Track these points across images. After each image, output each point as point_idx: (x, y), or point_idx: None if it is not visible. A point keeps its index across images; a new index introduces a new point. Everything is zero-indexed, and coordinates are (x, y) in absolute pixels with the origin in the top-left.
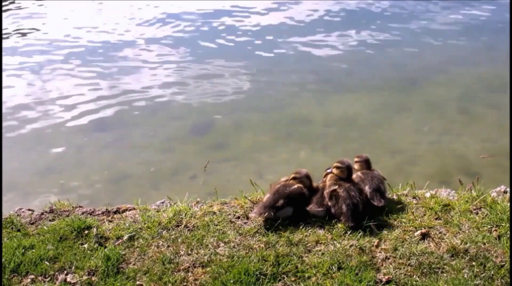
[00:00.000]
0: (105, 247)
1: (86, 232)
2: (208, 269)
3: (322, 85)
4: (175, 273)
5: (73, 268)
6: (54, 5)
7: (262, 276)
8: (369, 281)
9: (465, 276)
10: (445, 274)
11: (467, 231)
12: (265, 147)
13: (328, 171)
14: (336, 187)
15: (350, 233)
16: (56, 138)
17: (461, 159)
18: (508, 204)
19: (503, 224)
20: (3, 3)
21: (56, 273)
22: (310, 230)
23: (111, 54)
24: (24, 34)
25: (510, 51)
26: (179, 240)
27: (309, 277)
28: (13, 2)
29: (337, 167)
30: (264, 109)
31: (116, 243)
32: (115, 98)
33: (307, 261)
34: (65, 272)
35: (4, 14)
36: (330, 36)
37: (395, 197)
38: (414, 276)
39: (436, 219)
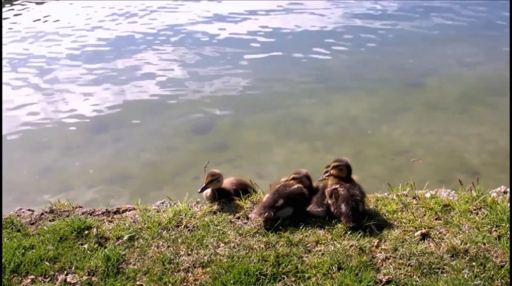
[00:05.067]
0: (105, 247)
1: (86, 232)
2: (208, 269)
3: (322, 85)
4: (175, 273)
5: (73, 268)
6: (55, 5)
7: (262, 276)
8: (369, 281)
9: (465, 276)
10: (445, 275)
11: (467, 232)
12: (265, 147)
13: (327, 175)
14: (337, 186)
15: (350, 233)
16: (56, 138)
17: (461, 159)
18: (508, 204)
19: (503, 224)
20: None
21: (56, 273)
22: (310, 230)
23: (111, 55)
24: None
25: (510, 51)
26: (179, 240)
27: (309, 277)
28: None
29: (335, 166)
30: (264, 109)
31: (116, 244)
32: (115, 98)
33: (307, 261)
34: (65, 272)
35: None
36: (331, 36)
37: (395, 197)
38: (414, 277)
39: (436, 219)
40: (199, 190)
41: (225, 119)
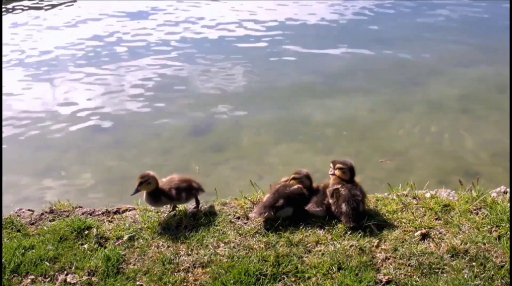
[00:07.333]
0: (105, 247)
1: (86, 232)
2: (208, 269)
3: (322, 85)
4: (175, 273)
5: (73, 268)
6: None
7: (262, 277)
8: (369, 282)
9: (465, 276)
10: (445, 275)
11: (467, 232)
12: (265, 148)
13: (331, 173)
14: (339, 186)
15: (350, 233)
16: (56, 139)
17: (461, 159)
18: (508, 204)
19: (503, 225)
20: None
21: (56, 273)
22: (310, 231)
23: (111, 56)
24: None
25: (510, 51)
26: (179, 240)
27: (309, 278)
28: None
29: (339, 169)
30: (264, 110)
31: (116, 244)
32: (115, 99)
33: (307, 261)
34: (65, 272)
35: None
36: (330, 36)
37: (395, 197)
38: (414, 277)
39: (436, 219)
40: (131, 193)
41: (224, 119)
